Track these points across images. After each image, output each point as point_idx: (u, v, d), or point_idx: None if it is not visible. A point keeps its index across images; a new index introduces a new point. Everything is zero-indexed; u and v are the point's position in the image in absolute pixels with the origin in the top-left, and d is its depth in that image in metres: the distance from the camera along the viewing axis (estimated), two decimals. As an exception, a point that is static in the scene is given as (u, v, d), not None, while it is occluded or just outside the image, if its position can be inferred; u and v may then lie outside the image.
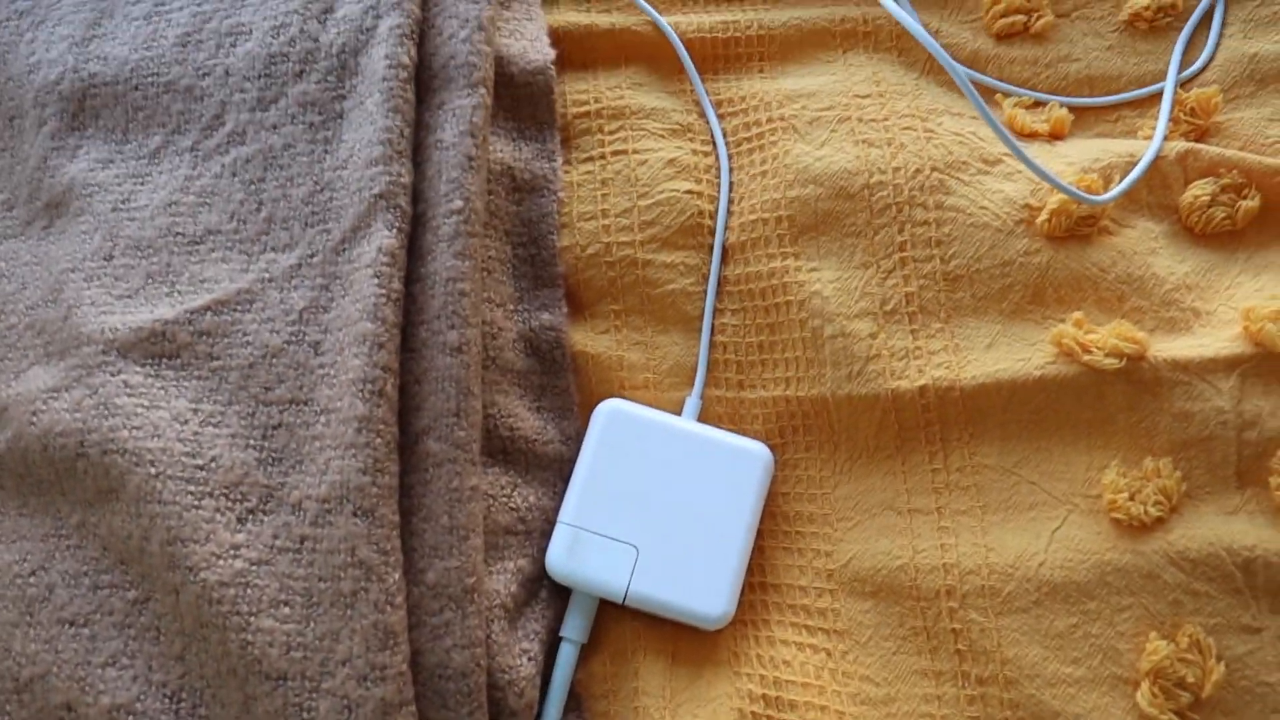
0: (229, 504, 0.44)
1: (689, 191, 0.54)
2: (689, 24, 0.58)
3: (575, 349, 0.52)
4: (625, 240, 0.53)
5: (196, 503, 0.44)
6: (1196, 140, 0.53)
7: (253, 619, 0.41)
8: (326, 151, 0.52)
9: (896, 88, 0.55)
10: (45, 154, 0.56)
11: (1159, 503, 0.45)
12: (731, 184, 0.54)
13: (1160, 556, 0.44)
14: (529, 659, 0.45)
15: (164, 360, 0.48)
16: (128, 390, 0.46)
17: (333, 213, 0.50)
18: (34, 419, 0.47)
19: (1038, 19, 0.57)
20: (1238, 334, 0.46)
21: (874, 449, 0.49)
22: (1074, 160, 0.51)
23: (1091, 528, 0.45)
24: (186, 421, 0.46)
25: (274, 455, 0.45)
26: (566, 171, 0.55)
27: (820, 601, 0.48)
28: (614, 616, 0.49)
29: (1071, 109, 0.55)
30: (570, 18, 0.59)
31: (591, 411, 0.50)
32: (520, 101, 0.55)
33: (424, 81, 0.52)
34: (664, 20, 0.58)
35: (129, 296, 0.50)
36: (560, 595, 0.49)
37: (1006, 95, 0.56)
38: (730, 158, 0.55)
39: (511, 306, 0.52)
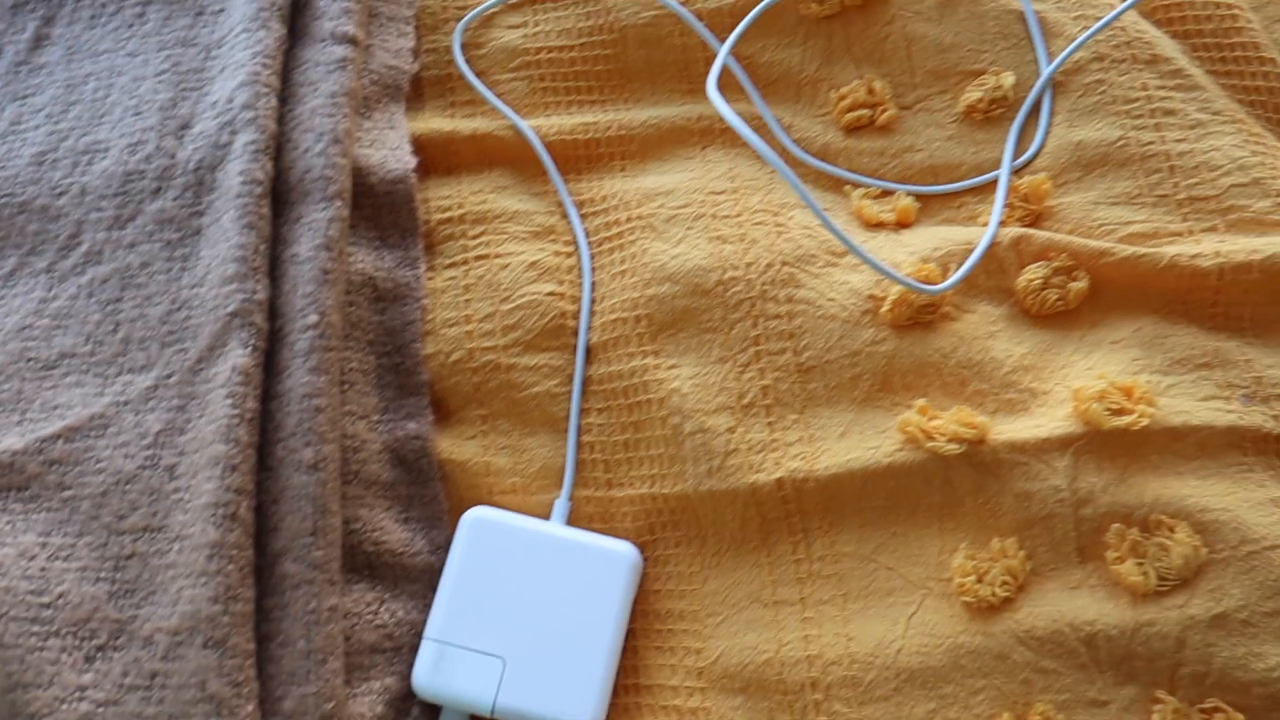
0: (77, 642, 0.43)
1: (551, 293, 0.54)
2: (550, 126, 0.59)
3: (442, 457, 0.52)
4: (489, 345, 0.53)
5: (41, 644, 0.42)
6: (1032, 225, 0.55)
7: (101, 763, 0.40)
8: (184, 269, 0.52)
9: (751, 183, 0.56)
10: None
11: (1006, 583, 0.46)
12: (593, 284, 0.55)
13: (1009, 636, 0.45)
14: (396, 781, 0.44)
15: (12, 493, 0.47)
16: (-27, 526, 0.45)
17: (190, 332, 0.50)
18: (-124, 560, 0.45)
19: (882, 112, 0.59)
20: (1070, 413, 0.48)
21: (740, 542, 0.50)
22: (916, 249, 0.53)
23: (945, 611, 0.46)
24: (34, 557, 0.45)
25: (126, 587, 0.44)
26: (430, 278, 0.55)
27: (691, 701, 0.48)
28: (486, 727, 0.48)
29: (917, 197, 0.57)
30: (434, 124, 0.59)
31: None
32: (382, 210, 0.55)
33: (281, 195, 0.52)
34: (525, 124, 0.59)
35: (-22, 427, 0.49)
36: (433, 711, 0.48)
37: (855, 186, 0.58)
38: (592, 257, 0.56)
39: (376, 417, 0.51)
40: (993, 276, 0.53)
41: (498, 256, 0.55)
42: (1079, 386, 0.48)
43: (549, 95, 0.61)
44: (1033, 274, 0.52)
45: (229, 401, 0.46)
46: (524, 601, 0.48)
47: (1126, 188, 0.54)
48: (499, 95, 0.61)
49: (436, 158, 0.59)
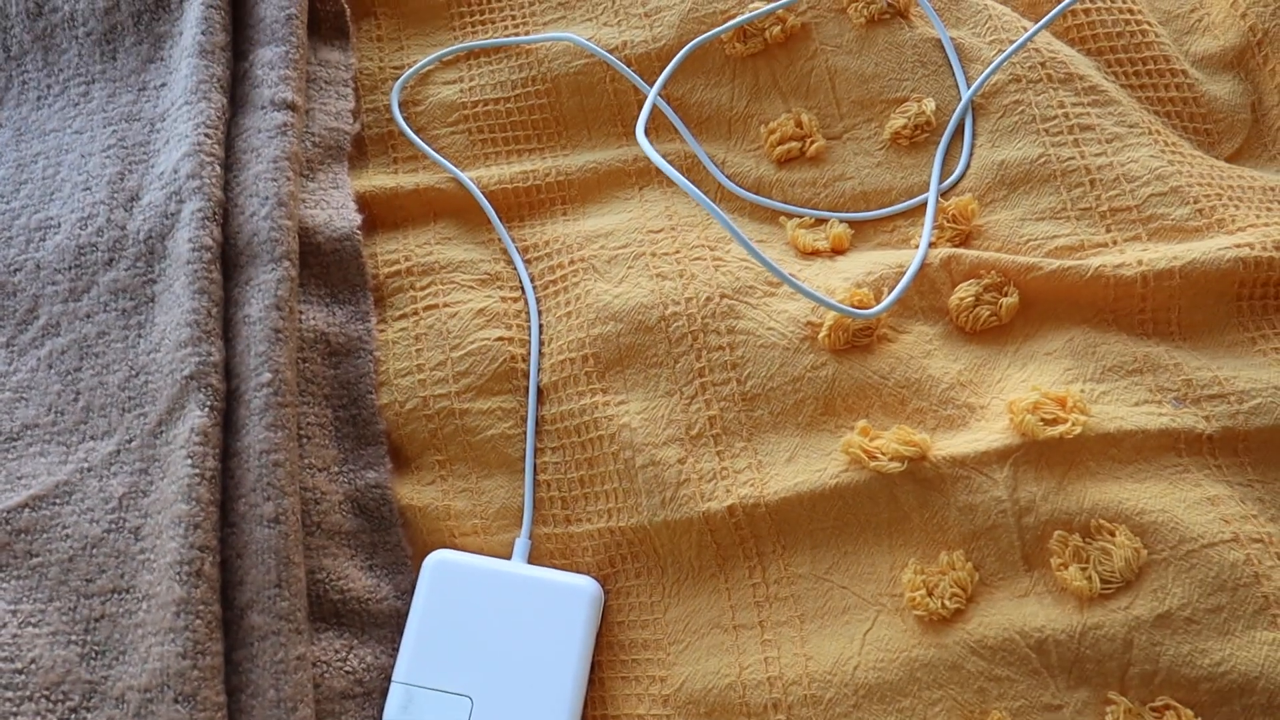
0: (50, 705, 0.45)
1: (500, 338, 0.57)
2: (490, 177, 0.63)
3: (403, 503, 0.54)
4: (442, 392, 0.56)
5: (15, 709, 0.44)
6: (962, 244, 0.58)
7: (77, 824, 0.42)
8: (140, 336, 0.54)
9: (688, 220, 0.60)
10: None
11: (955, 595, 0.48)
12: (541, 326, 0.58)
13: (962, 647, 0.47)
14: (370, 823, 0.46)
15: (-19, 564, 0.49)
16: (-57, 601, 0.47)
17: (148, 396, 0.52)
18: None
19: (811, 144, 0.62)
20: (1007, 426, 0.51)
21: (698, 569, 0.52)
22: (850, 275, 0.56)
23: (899, 626, 0.49)
24: (5, 625, 0.47)
25: (96, 649, 0.46)
26: (381, 330, 0.58)
27: (657, 728, 0.50)
28: (458, 767, 0.50)
29: (850, 224, 0.61)
30: (377, 181, 0.62)
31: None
32: (330, 268, 0.58)
33: (230, 259, 0.55)
34: (465, 176, 0.62)
35: (-56, 502, 0.51)
36: (402, 752, 0.50)
37: (790, 216, 0.61)
38: (538, 301, 0.59)
39: (336, 469, 0.54)
40: (926, 297, 0.56)
41: (446, 305, 0.58)
42: (1013, 399, 0.51)
43: (488, 146, 0.65)
44: (964, 292, 0.55)
45: (189, 462, 0.48)
46: (489, 640, 0.50)
47: (1050, 203, 0.58)
48: (439, 149, 0.64)
49: (382, 213, 0.62)
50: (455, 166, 0.63)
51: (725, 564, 0.52)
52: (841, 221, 0.60)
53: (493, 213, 0.61)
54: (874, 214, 0.61)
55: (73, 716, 0.45)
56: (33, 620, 0.47)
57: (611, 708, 0.51)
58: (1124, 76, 0.63)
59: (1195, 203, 0.57)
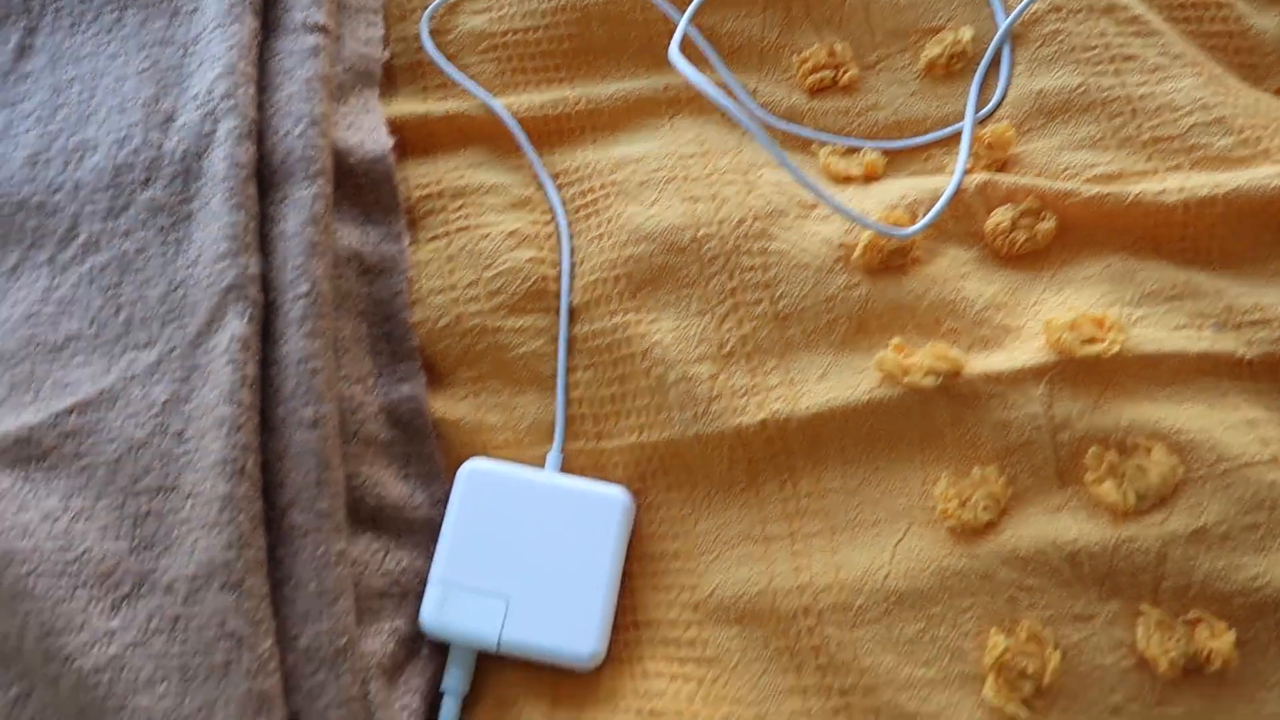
0: (102, 592, 0.48)
1: (531, 259, 0.60)
2: (521, 104, 0.66)
3: (436, 416, 0.58)
4: (475, 310, 0.59)
5: (69, 595, 0.48)
6: (998, 172, 0.61)
7: (129, 699, 0.45)
8: (178, 252, 0.58)
9: (720, 146, 0.63)
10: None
11: (988, 507, 0.51)
12: (572, 248, 0.61)
13: (993, 558, 0.50)
14: (409, 714, 0.50)
15: (32, 464, 0.52)
16: (-4, 497, 0.51)
17: (188, 308, 0.56)
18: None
19: (844, 73, 0.65)
20: (1043, 345, 0.54)
21: (728, 484, 0.55)
22: (883, 199, 0.59)
23: (930, 537, 0.52)
24: (57, 519, 0.50)
25: (145, 542, 0.50)
26: (414, 250, 0.61)
27: (689, 633, 0.53)
28: (495, 667, 0.53)
29: (884, 152, 0.64)
30: (407, 108, 0.66)
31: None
32: (363, 189, 0.62)
33: (266, 178, 0.59)
34: (497, 103, 0.65)
35: (-6, 408, 0.55)
36: (440, 651, 0.53)
37: (822, 144, 0.64)
38: (569, 224, 0.62)
39: (371, 382, 0.57)
40: (961, 221, 0.59)
41: (478, 227, 0.61)
42: (1050, 318, 0.53)
43: (518, 75, 0.68)
44: (1000, 216, 0.58)
45: (230, 368, 0.52)
46: (523, 545, 0.53)
47: (1090, 132, 0.60)
48: (469, 77, 0.68)
49: (413, 139, 0.65)
50: (487, 93, 0.66)
51: (756, 478, 0.55)
52: (875, 150, 0.63)
53: (523, 137, 0.65)
54: (908, 142, 0.63)
55: (124, 603, 0.48)
56: (83, 516, 0.51)
57: (642, 614, 0.54)
58: (1168, 9, 0.65)
59: (1240, 133, 0.58)
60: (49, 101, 0.66)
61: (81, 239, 0.60)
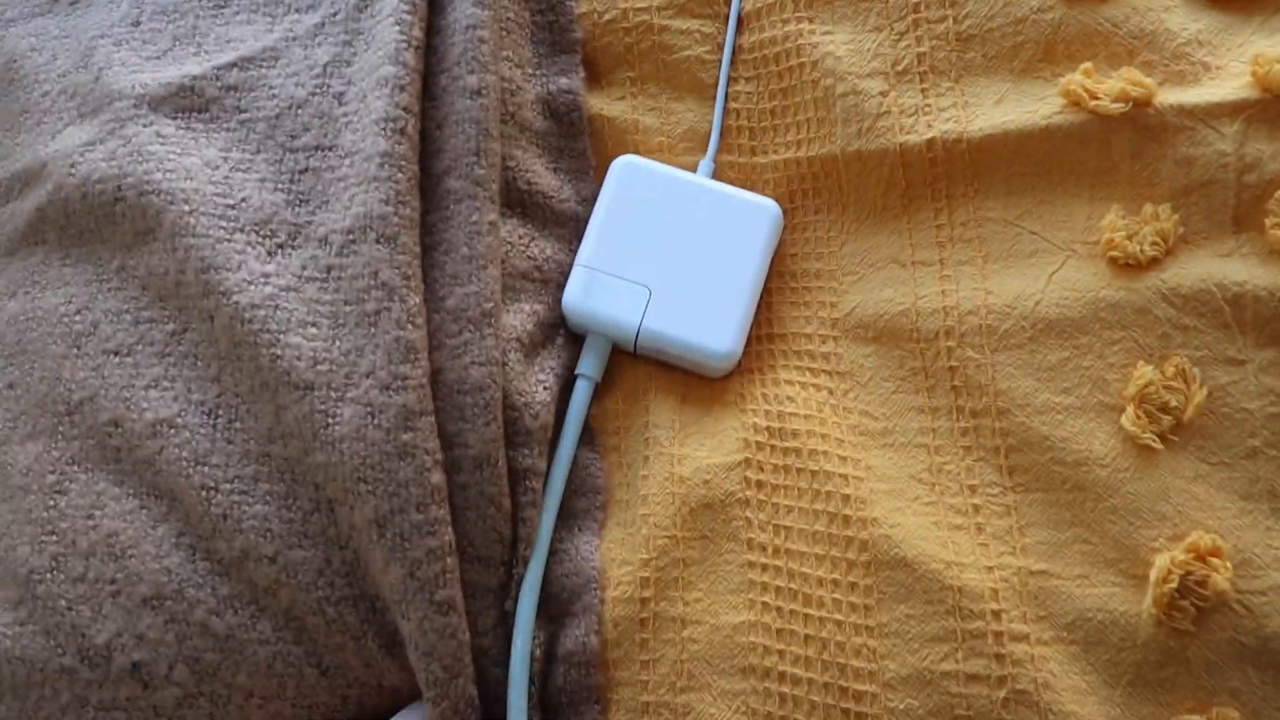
0: (259, 239, 0.52)
1: (705, -41, 0.60)
2: None
3: (592, 112, 0.59)
4: (642, 6, 0.59)
5: (228, 236, 0.52)
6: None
7: (282, 336, 0.49)
8: (346, -82, 0.59)
9: None
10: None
11: (1155, 243, 0.51)
12: (747, -49, 0.61)
13: (1152, 292, 0.50)
14: (544, 388, 0.53)
15: (193, 113, 0.56)
16: (160, 139, 0.54)
17: (353, -27, 0.58)
18: (72, 170, 0.55)
19: None
20: (1246, 83, 0.52)
21: (881, 208, 0.56)
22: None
23: (1089, 269, 0.52)
24: (217, 167, 0.54)
25: (301, 197, 0.53)
26: (584, -61, 0.62)
27: (824, 347, 0.55)
28: (627, 362, 0.56)
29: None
30: None
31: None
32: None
33: None
34: None
35: (157, 58, 0.58)
36: (575, 342, 0.56)
37: None
38: (746, -74, 0.61)
39: (530, 70, 0.59)
40: (1172, -51, 0.57)
41: (651, -77, 0.61)
42: (1259, 52, 0.51)
43: None
44: (1215, -54, 0.56)
45: (396, 29, 0.53)
46: (670, 242, 0.55)
47: None
48: None
49: None
50: None
51: (911, 204, 0.55)
52: None
53: None
54: None
55: (279, 251, 0.52)
56: (242, 167, 0.54)
57: (779, 327, 0.56)
58: None
59: None
60: None
61: (249, -99, 0.61)
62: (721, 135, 0.59)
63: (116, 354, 0.52)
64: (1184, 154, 0.51)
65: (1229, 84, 0.52)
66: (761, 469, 0.52)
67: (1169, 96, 0.52)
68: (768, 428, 0.53)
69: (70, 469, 0.51)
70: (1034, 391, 0.50)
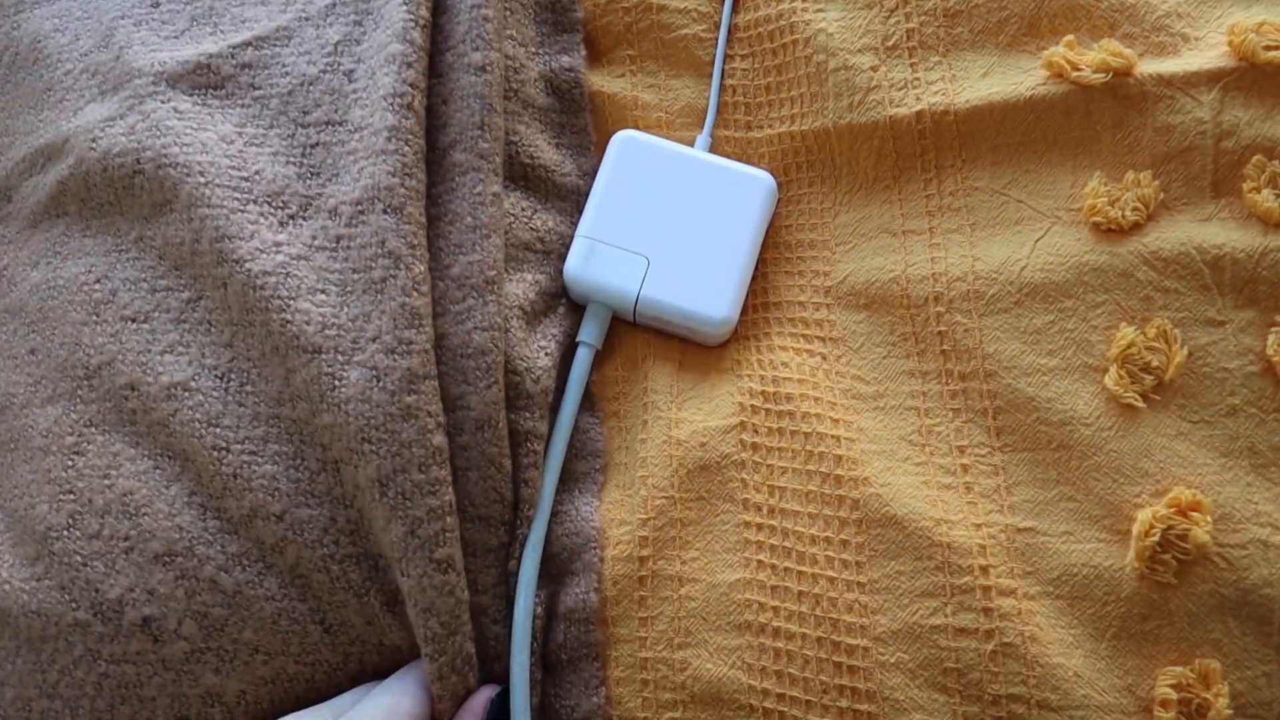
0: (271, 210, 0.54)
1: (702, -60, 0.62)
2: None
3: (592, 89, 0.61)
4: (641, -14, 0.62)
5: (242, 207, 0.54)
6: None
7: (292, 302, 0.52)
8: (356, -96, 0.62)
9: None
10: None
11: (1137, 209, 0.53)
12: (743, -67, 0.63)
13: (1134, 256, 0.52)
14: (546, 354, 0.55)
15: (210, 90, 0.58)
16: (177, 115, 0.57)
17: (364, -45, 0.60)
18: (93, 144, 0.58)
19: None
20: (1223, 52, 0.54)
21: (873, 179, 0.58)
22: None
23: (1072, 235, 0.53)
24: (232, 141, 0.56)
25: (312, 170, 0.56)
26: (583, -76, 0.64)
27: (817, 314, 0.57)
28: (627, 330, 0.58)
29: None
30: None
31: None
32: None
33: None
34: None
35: (175, 37, 0.60)
36: (575, 311, 0.58)
37: None
38: (742, -90, 0.64)
39: (533, 48, 0.61)
40: (1154, -73, 0.59)
41: (652, -96, 0.64)
42: (1235, 22, 0.53)
43: None
44: (1196, -77, 0.57)
45: (404, 9, 0.56)
46: (668, 214, 0.57)
47: None
48: None
49: None
50: None
51: (901, 175, 0.57)
52: None
53: None
54: None
55: (290, 222, 0.54)
56: (255, 141, 0.57)
57: (774, 295, 0.58)
58: None
59: None
60: None
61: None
62: (718, 110, 0.61)
63: (134, 320, 0.55)
64: (1163, 122, 0.53)
65: (1207, 54, 0.54)
66: (756, 432, 0.54)
67: (1148, 67, 0.54)
68: (762, 392, 0.55)
69: (88, 430, 0.53)
70: (1020, 354, 0.52)
